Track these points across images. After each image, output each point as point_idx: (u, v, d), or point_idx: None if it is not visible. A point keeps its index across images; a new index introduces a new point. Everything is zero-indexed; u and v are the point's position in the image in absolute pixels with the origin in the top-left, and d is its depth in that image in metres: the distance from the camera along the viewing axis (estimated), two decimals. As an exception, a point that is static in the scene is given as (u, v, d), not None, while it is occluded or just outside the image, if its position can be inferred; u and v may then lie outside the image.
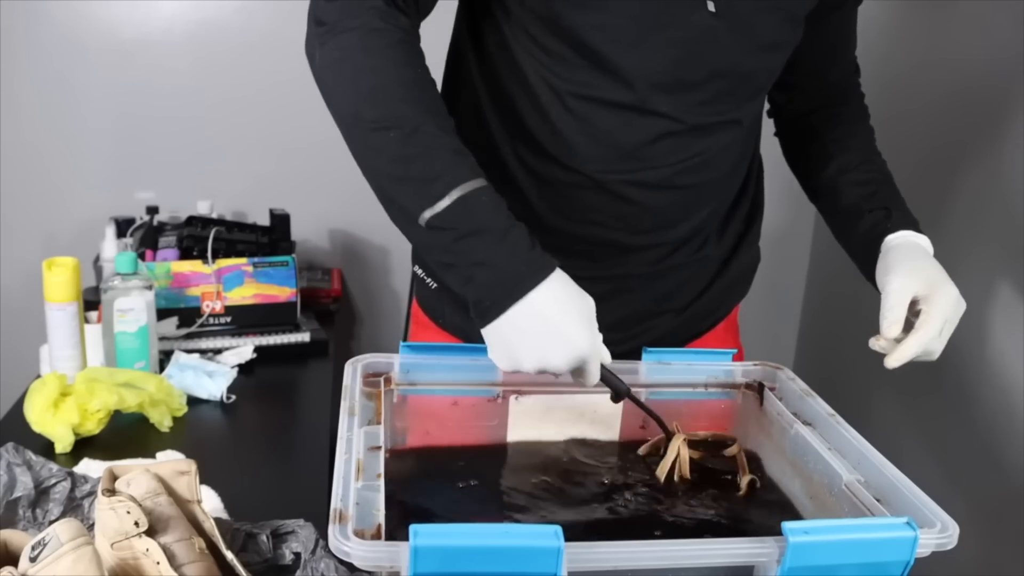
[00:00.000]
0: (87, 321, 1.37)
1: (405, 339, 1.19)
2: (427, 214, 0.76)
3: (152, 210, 1.77)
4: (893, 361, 0.85)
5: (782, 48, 0.95)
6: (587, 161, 0.91)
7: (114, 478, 0.74)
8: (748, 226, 1.09)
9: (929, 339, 0.86)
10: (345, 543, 0.58)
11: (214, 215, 1.77)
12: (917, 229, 0.96)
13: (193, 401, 1.32)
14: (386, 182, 0.80)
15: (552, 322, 0.75)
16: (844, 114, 1.09)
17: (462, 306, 1.05)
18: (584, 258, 0.93)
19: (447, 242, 0.77)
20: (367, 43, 0.81)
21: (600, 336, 0.78)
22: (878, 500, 0.72)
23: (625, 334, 1.01)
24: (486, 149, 0.93)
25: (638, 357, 0.92)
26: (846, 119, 1.09)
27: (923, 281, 0.88)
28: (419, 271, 1.10)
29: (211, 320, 1.54)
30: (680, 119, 0.90)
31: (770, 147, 1.13)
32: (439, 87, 0.88)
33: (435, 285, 1.07)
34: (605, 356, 0.80)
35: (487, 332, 0.77)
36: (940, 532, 0.64)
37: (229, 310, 1.54)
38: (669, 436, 0.87)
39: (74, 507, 0.90)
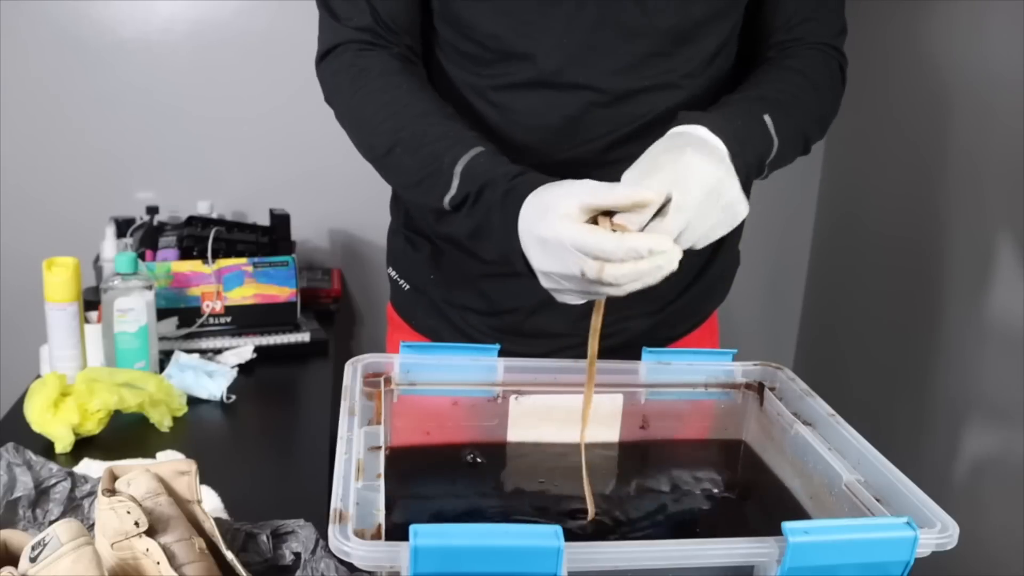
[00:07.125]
0: (87, 321, 1.37)
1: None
2: (446, 200, 0.81)
3: (152, 210, 1.77)
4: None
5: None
6: (525, 150, 0.90)
7: (114, 478, 0.74)
8: None
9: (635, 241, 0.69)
10: (345, 543, 0.58)
11: (214, 215, 1.77)
12: (717, 131, 0.78)
13: (193, 401, 1.32)
14: (409, 193, 0.90)
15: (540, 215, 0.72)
16: (783, 61, 0.95)
17: (432, 308, 1.04)
18: None
19: (470, 210, 0.80)
20: (344, 82, 0.91)
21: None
22: (878, 500, 0.72)
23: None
24: None
25: (611, 358, 0.88)
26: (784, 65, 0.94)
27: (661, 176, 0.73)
28: (392, 273, 1.10)
29: (211, 320, 1.54)
30: (601, 88, 0.89)
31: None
32: None
33: (408, 287, 1.08)
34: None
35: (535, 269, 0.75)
36: (940, 532, 0.64)
37: (229, 310, 1.55)
38: None
39: (74, 507, 0.90)
